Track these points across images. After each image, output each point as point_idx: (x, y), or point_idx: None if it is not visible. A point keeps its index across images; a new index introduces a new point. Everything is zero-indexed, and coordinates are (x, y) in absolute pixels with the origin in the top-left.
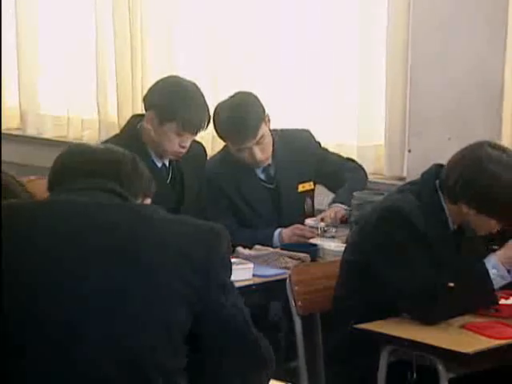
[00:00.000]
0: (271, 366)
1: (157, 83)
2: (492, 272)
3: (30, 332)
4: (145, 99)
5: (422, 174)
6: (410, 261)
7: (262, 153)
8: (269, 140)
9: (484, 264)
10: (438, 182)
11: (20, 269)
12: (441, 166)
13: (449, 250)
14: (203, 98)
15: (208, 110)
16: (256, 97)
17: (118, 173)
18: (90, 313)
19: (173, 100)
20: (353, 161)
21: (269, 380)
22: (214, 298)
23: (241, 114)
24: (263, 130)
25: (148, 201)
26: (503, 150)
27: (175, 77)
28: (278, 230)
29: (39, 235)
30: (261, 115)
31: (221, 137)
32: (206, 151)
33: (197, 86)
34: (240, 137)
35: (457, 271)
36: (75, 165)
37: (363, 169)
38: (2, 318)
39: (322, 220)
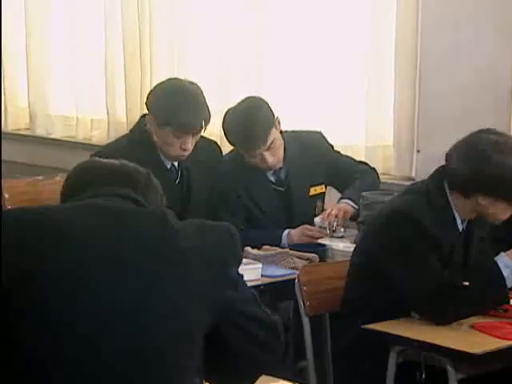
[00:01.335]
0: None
1: (155, 87)
2: (505, 271)
3: (64, 331)
4: (146, 103)
5: (430, 175)
6: (421, 262)
7: (273, 157)
8: (280, 143)
9: (496, 263)
10: (446, 182)
11: (59, 268)
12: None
13: (458, 250)
14: (202, 97)
15: (207, 109)
16: (264, 101)
17: (134, 185)
18: (120, 312)
19: (168, 104)
20: (365, 164)
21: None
22: (228, 293)
23: (250, 122)
24: (273, 134)
25: None
26: (496, 133)
27: (173, 79)
28: (287, 230)
29: (76, 236)
30: (270, 120)
31: (231, 144)
32: (220, 150)
33: (196, 86)
34: (250, 145)
35: (467, 271)
36: (91, 177)
37: (376, 172)
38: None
39: (329, 216)
